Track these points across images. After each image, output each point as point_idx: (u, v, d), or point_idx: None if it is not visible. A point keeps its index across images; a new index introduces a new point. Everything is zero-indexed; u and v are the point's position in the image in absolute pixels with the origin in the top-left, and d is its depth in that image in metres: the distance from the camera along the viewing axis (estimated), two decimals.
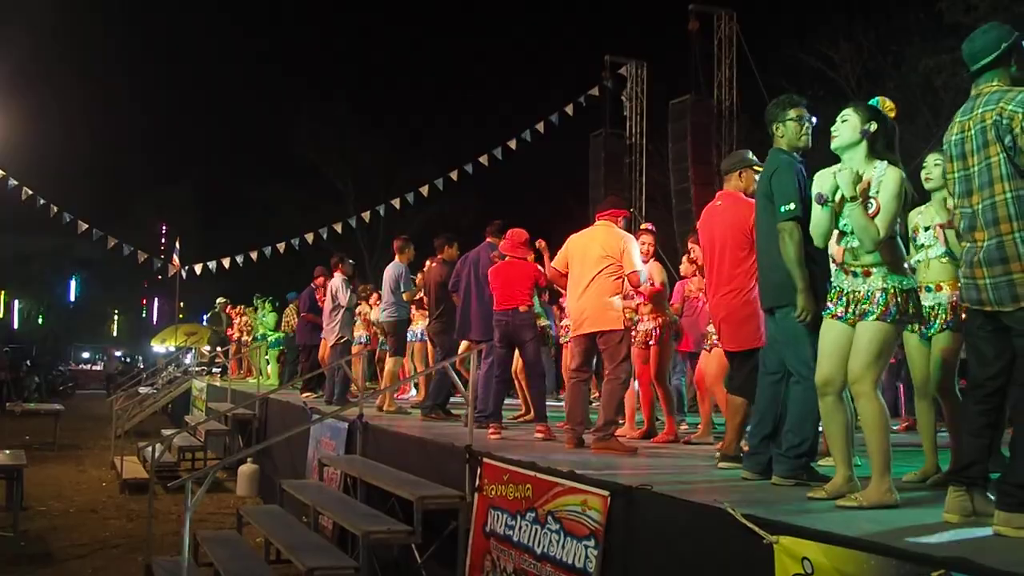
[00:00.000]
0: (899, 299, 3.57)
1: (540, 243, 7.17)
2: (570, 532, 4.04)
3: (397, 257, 9.17)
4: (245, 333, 16.84)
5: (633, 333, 6.46)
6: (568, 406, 6.06)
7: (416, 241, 9.63)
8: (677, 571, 3.49)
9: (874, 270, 3.64)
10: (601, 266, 5.84)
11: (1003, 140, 3.07)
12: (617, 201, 6.34)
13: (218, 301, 19.37)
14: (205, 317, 19.86)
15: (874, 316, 3.56)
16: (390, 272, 9.12)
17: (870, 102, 3.91)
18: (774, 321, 4.32)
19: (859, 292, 3.66)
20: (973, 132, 3.18)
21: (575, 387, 6.06)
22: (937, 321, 4.40)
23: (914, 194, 3.81)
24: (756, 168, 5.01)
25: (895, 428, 7.86)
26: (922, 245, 4.53)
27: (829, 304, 3.76)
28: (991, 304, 3.10)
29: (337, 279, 10.13)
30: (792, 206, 4.01)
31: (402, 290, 8.96)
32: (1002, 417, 3.20)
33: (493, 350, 7.01)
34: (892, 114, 3.91)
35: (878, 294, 3.59)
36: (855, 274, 3.70)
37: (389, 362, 9.31)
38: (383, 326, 9.45)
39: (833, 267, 3.89)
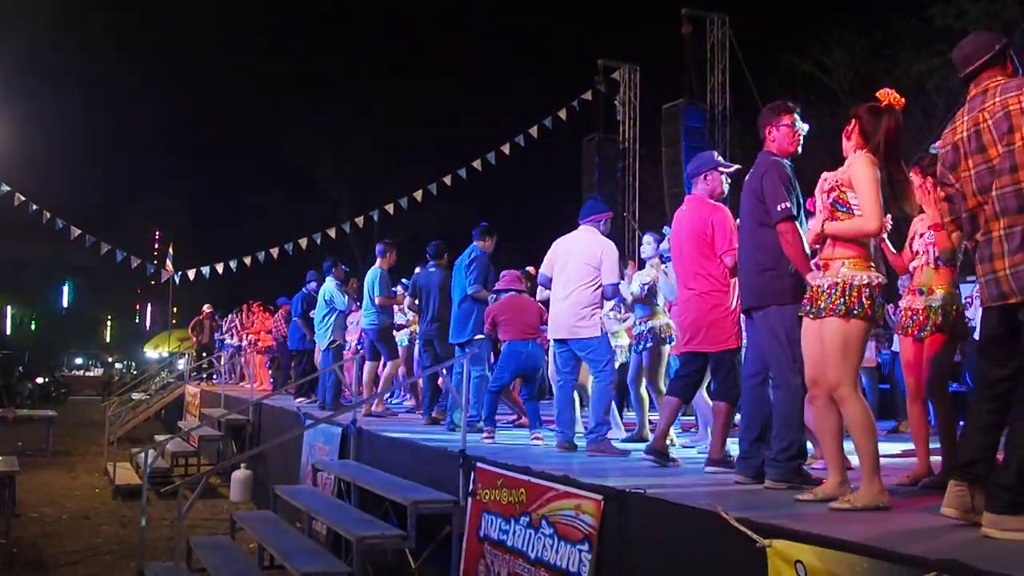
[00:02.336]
0: (848, 294, 3.53)
1: (531, 270, 7.25)
2: (564, 536, 4.04)
3: (378, 261, 9.13)
4: (239, 338, 16.79)
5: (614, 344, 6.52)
6: (557, 410, 6.06)
7: (410, 247, 9.58)
8: (671, 575, 3.48)
9: (832, 263, 3.63)
10: (581, 274, 5.84)
11: None
12: (595, 205, 6.23)
13: (204, 308, 19.30)
14: (191, 324, 19.71)
15: (828, 311, 3.55)
16: (368, 277, 9.06)
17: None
18: (753, 324, 4.32)
19: (818, 286, 3.66)
20: (992, 122, 3.07)
21: (562, 391, 6.06)
22: (930, 324, 4.39)
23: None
24: (722, 169, 5.05)
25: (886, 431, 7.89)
26: (916, 252, 4.54)
27: (805, 301, 3.75)
28: (1015, 295, 2.94)
29: (330, 283, 10.09)
30: (787, 204, 4.01)
31: (377, 294, 8.89)
32: (1008, 418, 3.14)
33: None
34: (898, 106, 3.80)
35: (830, 288, 3.57)
36: (818, 267, 3.71)
37: (388, 366, 9.27)
38: (369, 334, 9.35)
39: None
